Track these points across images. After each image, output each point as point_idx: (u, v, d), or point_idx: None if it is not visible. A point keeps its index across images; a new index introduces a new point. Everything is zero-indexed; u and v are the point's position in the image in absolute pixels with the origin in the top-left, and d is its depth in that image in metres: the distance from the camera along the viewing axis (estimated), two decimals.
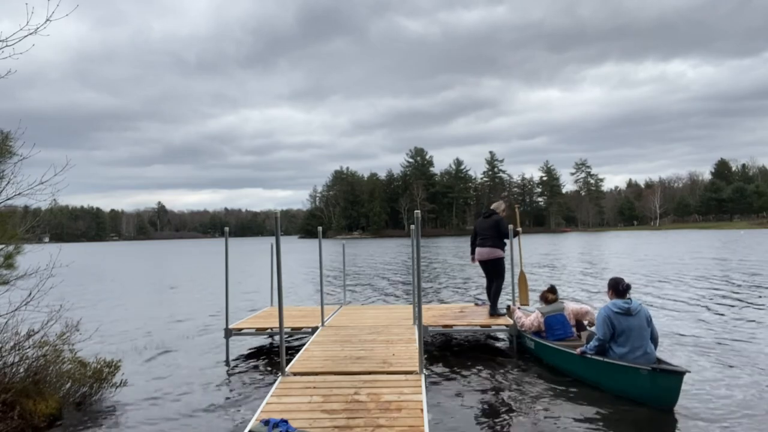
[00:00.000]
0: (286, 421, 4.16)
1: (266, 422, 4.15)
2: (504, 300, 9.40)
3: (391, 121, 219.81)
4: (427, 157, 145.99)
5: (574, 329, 7.43)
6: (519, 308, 8.57)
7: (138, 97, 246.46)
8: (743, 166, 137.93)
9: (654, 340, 6.06)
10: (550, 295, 7.66)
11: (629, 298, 6.08)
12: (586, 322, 7.54)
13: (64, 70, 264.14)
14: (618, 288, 6.15)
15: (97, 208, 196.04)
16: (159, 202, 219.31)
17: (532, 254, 34.28)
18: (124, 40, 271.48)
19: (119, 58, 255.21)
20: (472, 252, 9.33)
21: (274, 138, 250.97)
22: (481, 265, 9.15)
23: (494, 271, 9.01)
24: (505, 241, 8.91)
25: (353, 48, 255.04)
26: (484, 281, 9.72)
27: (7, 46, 4.96)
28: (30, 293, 5.43)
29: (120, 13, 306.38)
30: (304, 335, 8.66)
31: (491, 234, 8.89)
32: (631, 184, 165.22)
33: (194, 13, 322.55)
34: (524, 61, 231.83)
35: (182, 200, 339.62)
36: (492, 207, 9.35)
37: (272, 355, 8.36)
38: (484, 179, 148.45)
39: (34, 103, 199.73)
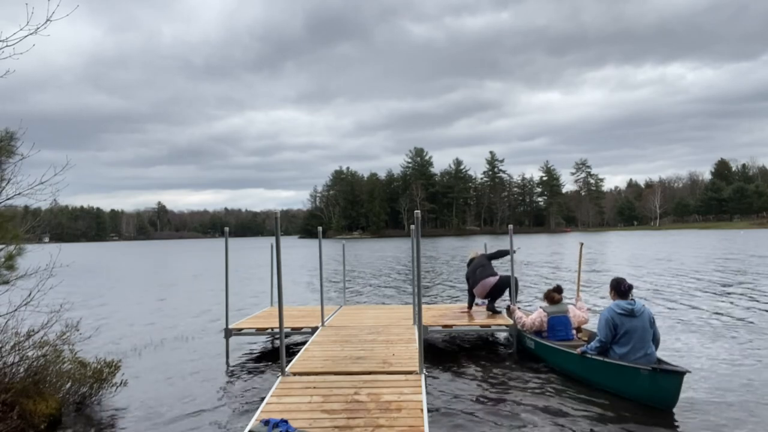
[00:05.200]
0: (286, 421, 4.16)
1: (266, 422, 4.15)
2: (501, 301, 9.40)
3: (394, 123, 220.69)
4: (427, 157, 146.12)
5: (574, 332, 7.43)
6: (519, 308, 8.57)
7: (146, 100, 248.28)
8: (743, 166, 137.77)
9: (656, 341, 6.05)
10: (556, 295, 7.62)
11: (632, 299, 6.06)
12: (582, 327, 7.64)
13: (77, 73, 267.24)
14: (620, 289, 6.13)
15: (98, 208, 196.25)
16: (159, 202, 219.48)
17: (533, 254, 34.29)
18: (137, 44, 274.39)
19: (131, 62, 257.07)
20: (470, 301, 9.56)
21: (278, 139, 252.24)
22: (488, 301, 9.26)
23: (501, 292, 9.10)
24: (494, 264, 9.25)
25: (359, 52, 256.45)
26: None
27: (7, 46, 4.96)
28: (30, 293, 5.43)
29: (133, 18, 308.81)
30: (304, 335, 8.66)
31: (483, 265, 9.16)
32: (631, 184, 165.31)
33: (205, 20, 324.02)
34: (526, 64, 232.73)
35: (185, 200, 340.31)
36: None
37: (272, 355, 8.36)
38: (484, 179, 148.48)
39: (46, 105, 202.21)
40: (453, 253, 40.26)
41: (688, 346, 8.12)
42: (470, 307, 9.55)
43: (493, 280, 8.95)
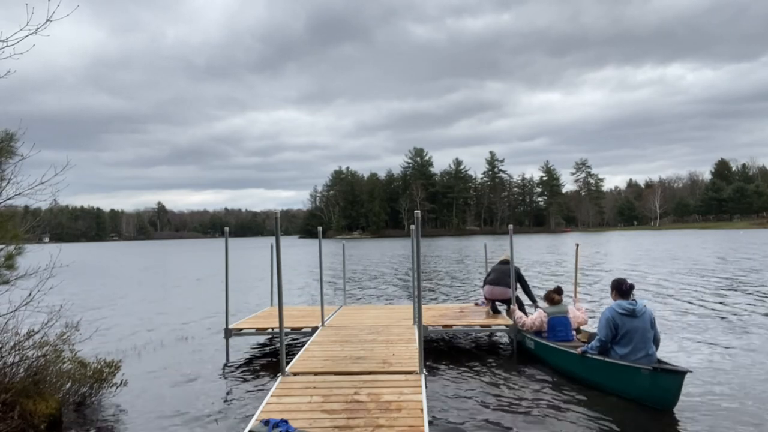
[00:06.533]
0: (286, 421, 4.16)
1: (266, 422, 4.15)
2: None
3: (394, 123, 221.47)
4: (426, 157, 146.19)
5: (574, 333, 7.44)
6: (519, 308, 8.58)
7: (148, 101, 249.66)
8: (743, 166, 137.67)
9: (656, 342, 6.04)
10: (555, 296, 7.66)
11: (634, 299, 6.06)
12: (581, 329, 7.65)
13: (79, 74, 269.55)
14: (621, 289, 6.13)
15: (98, 208, 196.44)
16: (159, 202, 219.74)
17: (533, 253, 34.26)
18: (139, 46, 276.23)
19: (133, 63, 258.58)
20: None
21: (278, 139, 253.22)
22: (491, 302, 9.30)
23: (504, 304, 9.13)
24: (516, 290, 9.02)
25: (360, 52, 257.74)
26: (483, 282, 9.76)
27: (7, 46, 4.96)
28: (30, 293, 5.43)
29: (136, 20, 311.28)
30: (304, 335, 8.66)
31: (507, 275, 8.97)
32: (631, 184, 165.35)
33: (207, 21, 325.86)
34: (526, 65, 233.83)
35: (185, 200, 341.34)
36: (505, 258, 9.59)
37: (272, 355, 8.36)
38: (484, 179, 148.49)
39: (47, 105, 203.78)
40: (453, 253, 40.25)
41: (689, 346, 8.12)
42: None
43: (509, 294, 8.85)
